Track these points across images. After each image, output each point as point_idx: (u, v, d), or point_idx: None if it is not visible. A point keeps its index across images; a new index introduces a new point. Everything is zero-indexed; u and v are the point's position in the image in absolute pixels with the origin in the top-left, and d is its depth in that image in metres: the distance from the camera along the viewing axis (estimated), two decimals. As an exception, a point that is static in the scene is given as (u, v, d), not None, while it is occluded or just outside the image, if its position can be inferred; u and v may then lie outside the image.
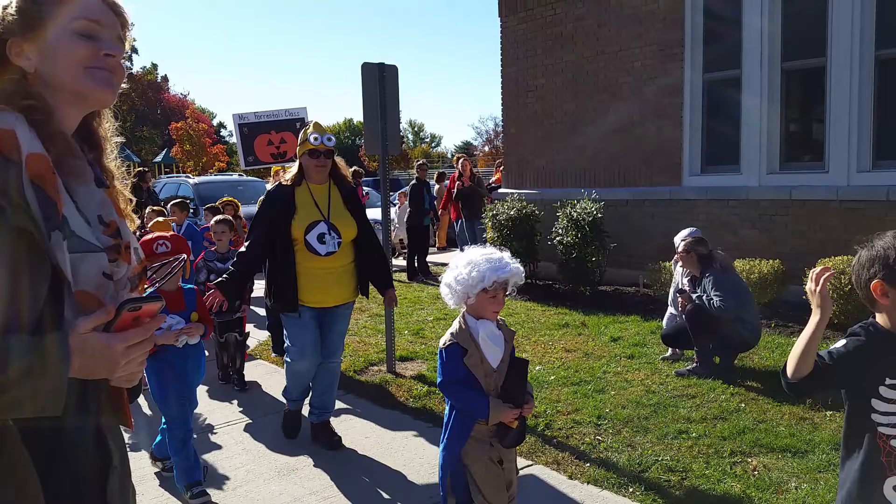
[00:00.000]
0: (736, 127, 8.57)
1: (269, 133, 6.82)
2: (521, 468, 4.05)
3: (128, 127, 55.85)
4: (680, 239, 6.04)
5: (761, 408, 4.78)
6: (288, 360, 4.49)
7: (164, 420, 3.89)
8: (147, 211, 7.73)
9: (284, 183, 4.40)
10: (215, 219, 5.87)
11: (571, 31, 10.13)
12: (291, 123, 6.88)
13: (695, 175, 9.02)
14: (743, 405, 4.85)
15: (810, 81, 8.25)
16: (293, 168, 4.47)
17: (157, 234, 3.72)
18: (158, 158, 35.83)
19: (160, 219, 6.90)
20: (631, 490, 3.71)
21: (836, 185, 7.67)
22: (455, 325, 2.75)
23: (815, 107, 8.23)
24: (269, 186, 6.40)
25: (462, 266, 2.65)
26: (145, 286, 1.51)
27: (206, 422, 5.14)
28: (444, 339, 2.73)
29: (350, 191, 4.52)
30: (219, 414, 5.30)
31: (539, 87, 10.68)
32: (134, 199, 1.63)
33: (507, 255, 2.69)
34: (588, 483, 3.82)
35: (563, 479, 3.91)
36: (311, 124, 4.45)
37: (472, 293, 2.63)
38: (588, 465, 4.03)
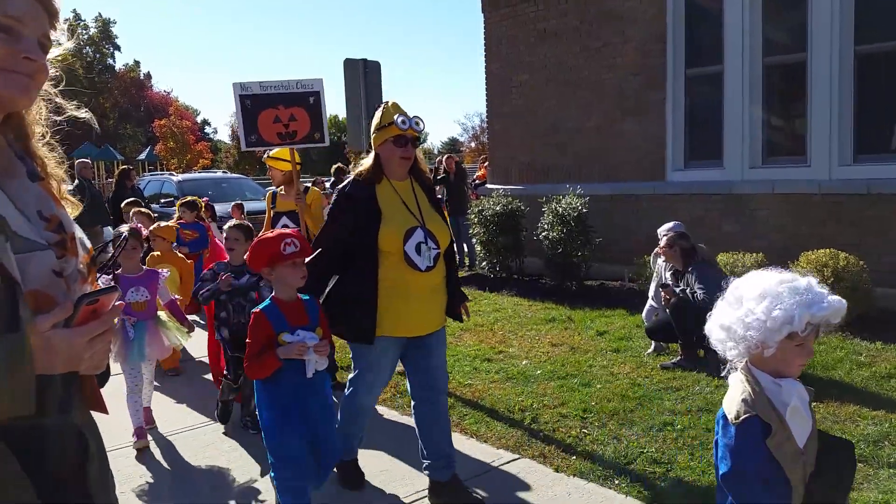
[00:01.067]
0: (718, 122, 8.63)
1: (277, 108, 5.65)
2: (508, 461, 4.07)
3: (111, 125, 55.46)
4: (663, 232, 6.08)
5: (745, 400, 4.82)
6: (352, 393, 3.63)
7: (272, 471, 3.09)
8: (133, 211, 7.55)
9: (358, 179, 3.53)
10: (230, 224, 4.86)
11: (555, 28, 10.15)
12: (303, 98, 5.73)
13: (678, 170, 9.07)
14: (727, 397, 4.88)
15: (792, 76, 8.32)
16: (366, 161, 3.59)
17: (280, 232, 3.06)
18: (142, 156, 35.52)
19: (167, 223, 6.76)
20: (617, 482, 3.74)
21: (817, 179, 7.75)
22: (742, 388, 1.94)
23: (796, 101, 8.30)
24: (274, 187, 6.10)
25: (753, 300, 1.91)
26: (95, 276, 1.49)
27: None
28: (734, 408, 1.92)
29: (431, 189, 3.74)
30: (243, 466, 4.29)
31: (523, 84, 10.70)
32: (70, 182, 1.56)
33: (814, 281, 1.94)
34: (574, 476, 3.85)
35: (550, 471, 3.93)
36: (389, 104, 3.56)
37: (774, 341, 1.85)
38: (574, 457, 4.06)
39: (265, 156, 6.13)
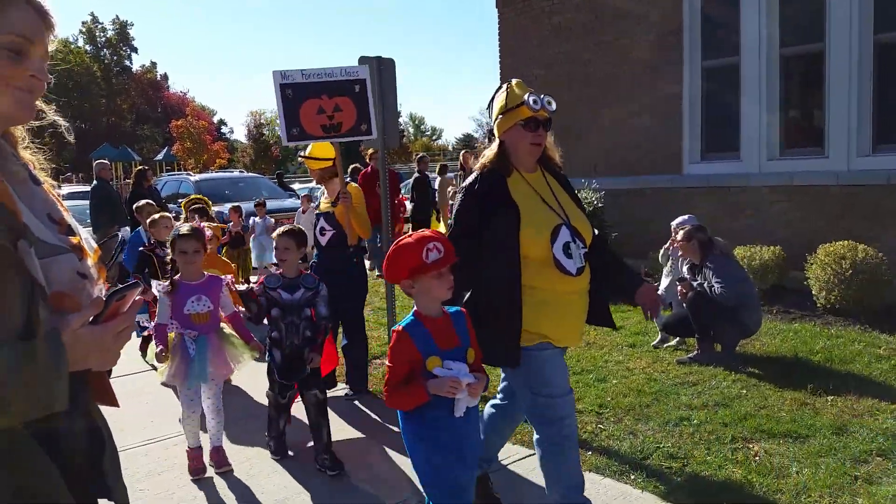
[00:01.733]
0: (735, 114, 8.56)
1: (321, 98, 5.08)
2: (523, 457, 4.07)
3: (128, 126, 55.99)
4: (676, 225, 6.06)
5: (763, 394, 4.80)
6: (548, 404, 2.91)
7: None
8: (159, 216, 7.25)
9: (483, 174, 3.01)
10: (280, 231, 4.11)
11: (569, 21, 10.11)
12: (349, 86, 5.17)
13: (695, 163, 9.01)
14: (744, 391, 4.87)
15: (809, 67, 8.23)
16: (488, 151, 3.08)
17: (421, 235, 2.54)
18: (159, 157, 35.82)
19: (211, 223, 6.46)
20: (633, 477, 3.73)
21: (836, 171, 7.67)
22: None
23: (814, 92, 8.21)
24: (312, 187, 6.06)
25: None
26: (105, 275, 1.53)
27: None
28: None
29: (565, 178, 3.26)
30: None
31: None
32: (56, 184, 1.59)
33: None
34: (590, 471, 3.85)
35: (566, 467, 3.93)
36: (513, 83, 3.10)
37: None
38: (590, 453, 4.05)
39: (300, 153, 5.59)
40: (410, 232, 2.95)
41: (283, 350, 4.06)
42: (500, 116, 3.04)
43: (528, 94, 2.98)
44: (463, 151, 12.50)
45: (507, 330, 2.86)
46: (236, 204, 11.36)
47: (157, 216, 6.17)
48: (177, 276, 4.01)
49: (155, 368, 4.57)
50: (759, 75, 8.26)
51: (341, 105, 5.20)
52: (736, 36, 8.45)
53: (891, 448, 3.82)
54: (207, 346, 3.94)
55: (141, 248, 6.10)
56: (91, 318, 1.30)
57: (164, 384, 5.11)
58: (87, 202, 11.20)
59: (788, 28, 8.18)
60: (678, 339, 6.07)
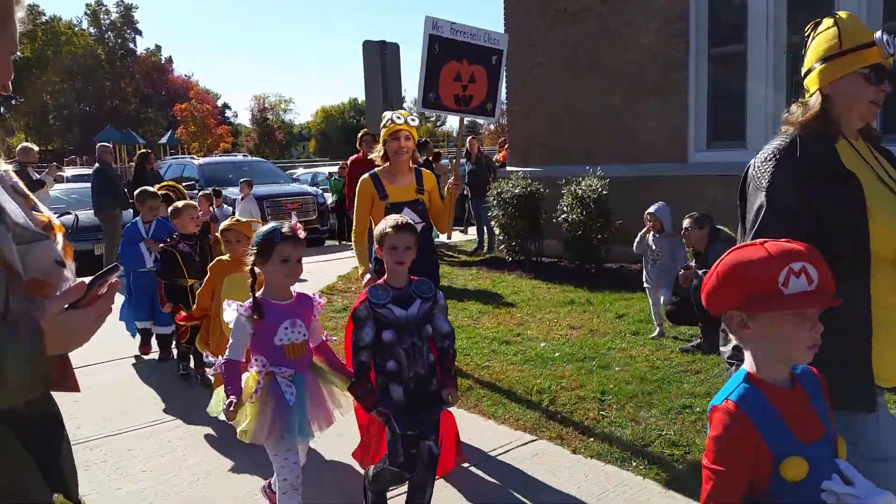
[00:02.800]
0: (741, 102, 8.51)
1: (461, 62, 4.50)
2: (525, 443, 4.08)
3: (132, 109, 55.89)
4: (650, 213, 6.12)
5: (765, 382, 4.79)
6: (886, 471, 1.93)
7: None
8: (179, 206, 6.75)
9: (803, 138, 2.14)
10: (394, 223, 3.02)
11: (574, 7, 10.02)
12: (487, 56, 4.63)
13: (700, 151, 8.96)
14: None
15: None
16: (804, 108, 2.19)
17: (785, 245, 1.59)
18: (163, 140, 35.75)
19: (240, 218, 4.93)
20: (634, 464, 3.73)
21: (842, 160, 7.61)
22: None
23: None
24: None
25: None
26: (71, 252, 1.50)
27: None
28: None
29: (887, 150, 2.33)
30: None
31: (542, 64, 10.60)
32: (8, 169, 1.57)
33: None
34: (592, 457, 3.85)
35: (567, 453, 3.94)
36: (843, 16, 2.20)
37: None
38: (592, 439, 4.06)
39: (400, 119, 4.04)
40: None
41: (406, 385, 2.94)
42: (828, 61, 2.16)
43: (880, 33, 2.11)
44: (469, 137, 12.43)
45: (858, 359, 2.00)
46: (207, 191, 10.99)
47: (181, 204, 5.47)
48: (259, 293, 2.95)
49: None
50: (766, 62, 8.20)
51: (476, 76, 4.58)
52: (743, 22, 8.37)
53: None
54: (305, 387, 2.95)
55: (163, 245, 5.42)
56: (70, 303, 1.28)
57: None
58: (90, 185, 11.20)
59: (796, 14, 8.09)
60: (661, 329, 6.07)
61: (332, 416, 3.03)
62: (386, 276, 3.05)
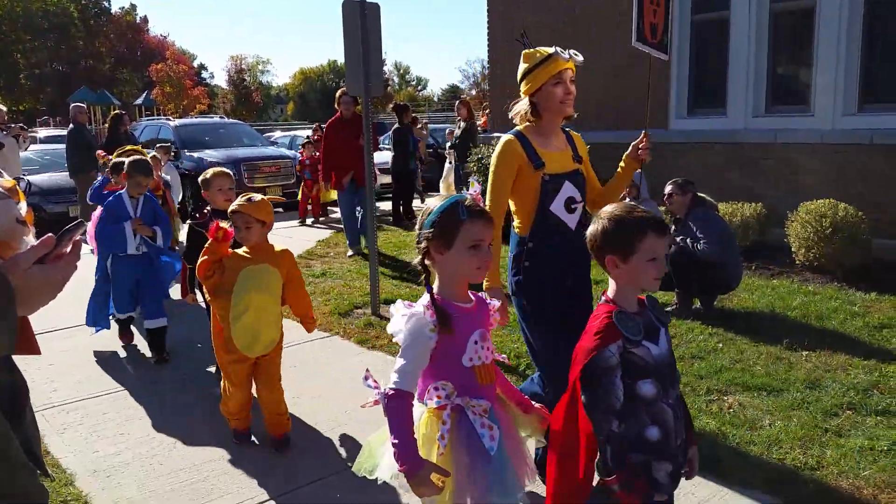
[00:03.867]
0: (723, 69, 8.50)
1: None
2: (503, 407, 4.11)
3: (107, 69, 54.65)
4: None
5: (739, 348, 4.87)
6: None
7: None
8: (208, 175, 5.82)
9: None
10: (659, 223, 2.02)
11: (559, -30, 9.90)
12: None
13: (681, 118, 8.97)
14: (721, 345, 4.93)
15: (799, 23, 8.15)
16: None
17: None
18: (139, 101, 35.09)
19: (256, 195, 3.69)
20: (609, 427, 3.78)
21: (821, 129, 7.67)
22: None
23: (803, 50, 8.15)
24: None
25: None
26: (32, 215, 1.49)
27: None
28: None
29: None
30: None
31: (526, 29, 10.48)
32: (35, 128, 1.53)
33: None
34: (567, 421, 3.89)
35: (544, 417, 3.98)
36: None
37: None
38: (568, 403, 4.10)
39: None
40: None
41: (675, 460, 2.02)
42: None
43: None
44: (458, 102, 12.40)
45: None
46: (166, 145, 10.54)
47: (210, 174, 4.38)
48: (436, 293, 2.07)
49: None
50: (748, 30, 8.18)
51: (657, 17, 3.53)
52: (727, -11, 8.33)
53: (861, 402, 3.90)
54: (503, 428, 2.10)
55: (190, 223, 4.60)
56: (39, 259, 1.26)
57: None
58: (64, 146, 11.00)
59: (780, -18, 8.07)
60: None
61: (533, 467, 2.25)
62: (614, 292, 2.04)
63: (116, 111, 12.74)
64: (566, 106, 3.01)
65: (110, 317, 5.49)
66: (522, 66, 3.07)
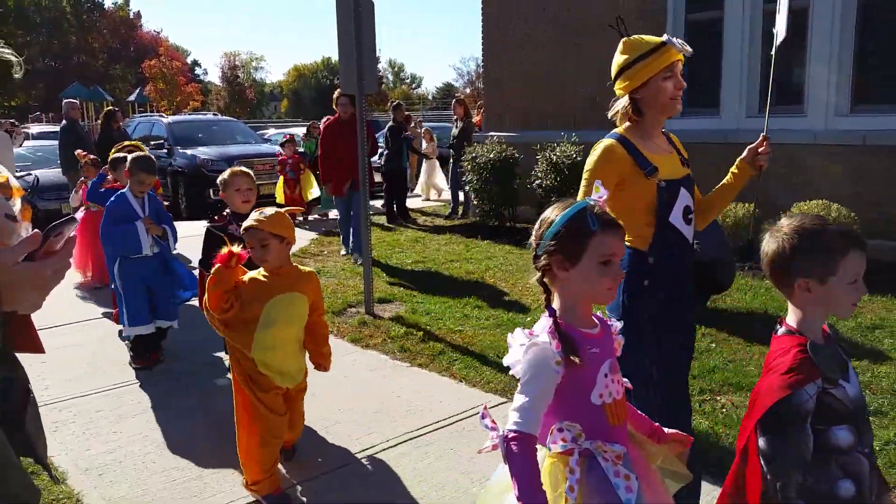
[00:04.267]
0: (717, 70, 8.52)
1: None
2: (496, 405, 4.13)
3: (100, 65, 54.38)
4: None
5: (732, 348, 4.89)
6: None
7: None
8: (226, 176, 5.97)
9: None
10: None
11: (554, -31, 9.90)
12: None
13: (675, 119, 8.96)
14: (714, 345, 4.95)
15: (792, 23, 8.16)
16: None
17: None
18: (132, 97, 34.93)
19: (272, 209, 3.43)
20: (602, 427, 3.79)
21: (814, 130, 7.70)
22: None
23: (796, 50, 8.18)
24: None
25: None
26: (29, 213, 1.47)
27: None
28: None
29: None
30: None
31: (519, 27, 10.49)
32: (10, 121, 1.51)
33: None
34: (561, 420, 3.90)
35: (537, 416, 3.98)
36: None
37: None
38: (561, 402, 4.11)
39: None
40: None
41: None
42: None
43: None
44: (454, 100, 12.42)
45: None
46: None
47: (228, 174, 4.05)
48: (558, 314, 1.78)
49: None
50: (742, 30, 8.20)
51: None
52: (721, -11, 8.35)
53: (853, 402, 3.92)
54: (640, 477, 1.76)
55: (209, 226, 4.08)
56: (25, 256, 1.24)
57: None
58: (57, 142, 10.94)
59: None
60: None
61: None
62: (799, 320, 1.84)
63: (109, 108, 12.70)
64: (676, 102, 2.63)
65: (125, 341, 5.08)
66: (621, 58, 2.66)
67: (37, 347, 1.47)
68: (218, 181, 4.14)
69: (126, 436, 3.91)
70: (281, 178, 11.50)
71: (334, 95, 8.43)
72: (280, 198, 11.28)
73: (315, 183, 11.23)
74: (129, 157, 5.03)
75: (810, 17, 7.67)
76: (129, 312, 4.83)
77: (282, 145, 11.84)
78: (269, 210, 3.12)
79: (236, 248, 2.97)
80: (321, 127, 9.14)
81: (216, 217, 4.14)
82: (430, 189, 14.45)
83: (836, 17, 7.45)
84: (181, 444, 3.81)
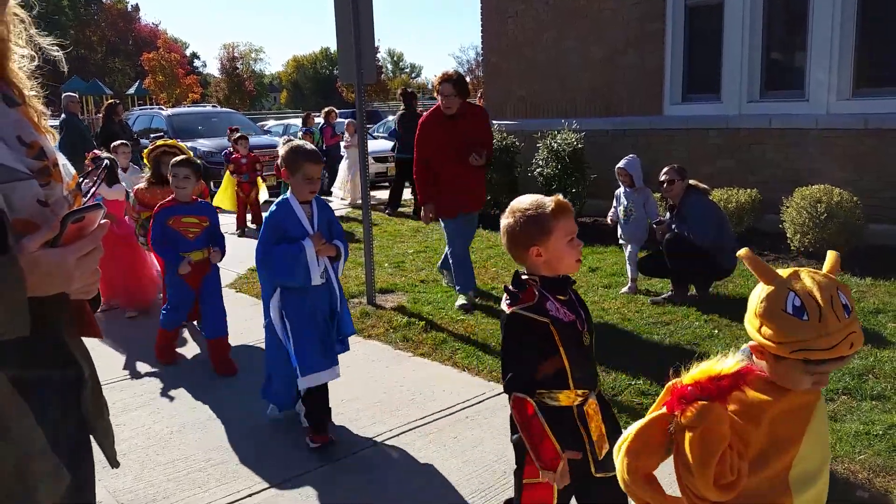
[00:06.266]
0: (717, 55, 8.47)
1: None
2: (498, 393, 4.13)
3: (99, 58, 54.25)
4: (620, 167, 6.07)
5: (734, 334, 4.88)
6: None
7: None
8: (116, 144, 7.33)
9: None
10: None
11: (553, -45, 9.83)
12: None
13: (675, 104, 8.95)
14: (716, 332, 4.94)
15: (793, 8, 8.12)
16: None
17: None
18: (131, 90, 34.93)
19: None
20: (605, 414, 3.79)
21: (815, 114, 7.66)
22: None
23: (797, 34, 8.13)
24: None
25: None
26: (83, 200, 1.47)
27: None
28: None
29: None
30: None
31: (519, 14, 10.44)
32: (48, 113, 1.52)
33: None
34: (564, 408, 3.90)
35: (540, 404, 3.98)
36: None
37: None
38: (564, 390, 4.11)
39: None
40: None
41: None
42: None
43: None
44: None
45: None
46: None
47: (298, 152, 3.50)
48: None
49: None
50: (742, 15, 8.14)
51: None
52: (721, -26, 8.29)
53: (856, 387, 3.91)
54: None
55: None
56: (50, 242, 1.24)
57: None
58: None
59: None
60: (633, 285, 6.07)
61: None
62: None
63: (110, 101, 12.69)
64: None
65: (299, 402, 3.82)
66: None
67: (95, 332, 1.48)
68: (283, 157, 3.52)
69: (129, 428, 3.92)
70: (227, 180, 10.15)
71: (435, 80, 6.04)
72: (227, 204, 9.93)
73: (264, 184, 10.22)
74: (287, 147, 3.59)
75: (811, 1, 7.61)
76: (302, 355, 3.55)
77: (235, 142, 10.06)
78: None
79: None
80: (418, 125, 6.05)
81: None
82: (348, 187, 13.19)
83: (836, 1, 7.40)
84: (184, 435, 3.82)
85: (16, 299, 1.16)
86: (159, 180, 5.56)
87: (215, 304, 4.84)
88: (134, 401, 4.30)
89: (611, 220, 6.32)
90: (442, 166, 5.68)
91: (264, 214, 3.73)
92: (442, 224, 5.96)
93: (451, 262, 5.93)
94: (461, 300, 5.82)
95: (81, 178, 1.34)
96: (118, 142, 7.37)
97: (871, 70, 7.52)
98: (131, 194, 5.97)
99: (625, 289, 6.07)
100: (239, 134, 10.25)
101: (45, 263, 1.22)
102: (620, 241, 6.27)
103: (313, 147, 3.67)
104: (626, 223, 6.10)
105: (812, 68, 7.72)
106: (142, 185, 5.79)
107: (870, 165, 7.24)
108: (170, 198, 4.80)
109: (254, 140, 14.10)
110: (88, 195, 1.44)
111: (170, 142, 5.86)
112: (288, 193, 3.57)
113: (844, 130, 7.41)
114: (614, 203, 6.27)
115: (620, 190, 6.18)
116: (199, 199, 4.97)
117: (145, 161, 5.81)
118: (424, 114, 6.03)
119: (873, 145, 7.22)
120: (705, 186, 5.95)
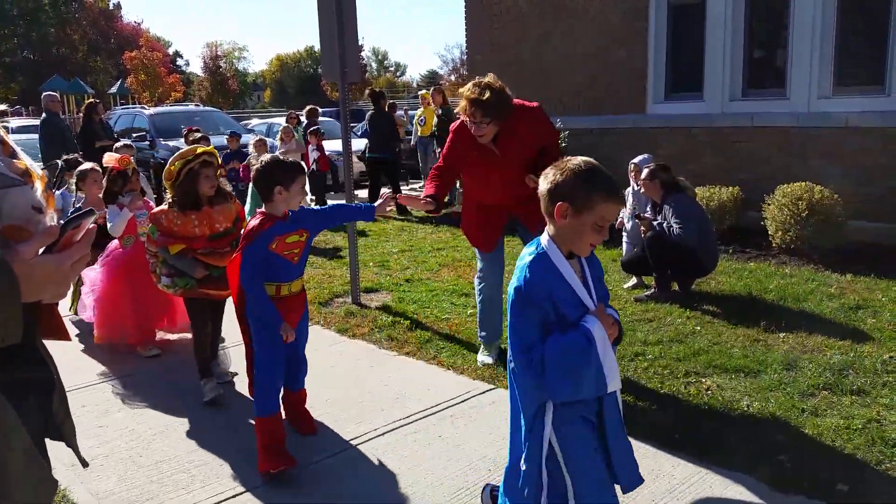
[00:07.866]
0: (700, 53, 8.52)
1: None
2: (483, 391, 4.13)
3: (80, 57, 53.70)
4: (636, 164, 6.08)
5: (717, 330, 4.92)
6: None
7: None
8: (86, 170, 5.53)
9: None
10: None
11: (536, -46, 9.84)
12: None
13: (659, 103, 8.99)
14: (699, 328, 4.98)
15: (774, 7, 8.19)
16: None
17: None
18: (113, 90, 34.61)
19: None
20: (589, 411, 3.80)
21: (796, 112, 7.73)
22: None
23: (778, 33, 8.20)
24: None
25: None
26: (54, 201, 1.46)
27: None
28: None
29: None
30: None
31: (504, 12, 10.44)
32: (7, 109, 1.50)
33: None
34: (548, 405, 3.91)
35: (524, 402, 3.99)
36: None
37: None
38: (548, 388, 4.12)
39: None
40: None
41: None
42: None
43: None
44: (433, 89, 12.29)
45: None
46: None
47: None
48: None
49: None
50: (724, 14, 8.20)
51: None
52: (703, -27, 8.34)
53: (837, 382, 3.96)
54: None
55: None
56: (44, 248, 1.24)
57: None
58: (37, 136, 10.80)
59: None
60: (639, 279, 6.12)
61: None
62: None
63: (90, 100, 12.55)
64: None
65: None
66: None
67: (62, 334, 1.47)
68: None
69: (112, 430, 3.89)
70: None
71: (461, 104, 4.55)
72: None
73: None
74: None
75: (792, 0, 7.68)
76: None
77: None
78: None
79: None
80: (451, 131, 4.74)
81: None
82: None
83: (817, 1, 7.46)
84: (167, 437, 3.80)
85: (10, 307, 1.15)
86: (193, 202, 4.08)
87: (303, 347, 3.74)
88: (116, 403, 4.27)
89: (618, 224, 6.24)
90: (483, 195, 4.55)
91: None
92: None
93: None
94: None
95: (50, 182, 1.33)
96: (88, 166, 5.55)
97: (852, 69, 7.60)
98: (141, 222, 4.94)
99: (630, 283, 6.13)
100: (200, 135, 9.34)
101: (42, 270, 1.22)
102: (624, 240, 6.26)
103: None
104: (630, 220, 6.09)
105: (793, 67, 7.79)
106: (163, 206, 4.19)
107: (850, 163, 7.32)
108: (258, 215, 3.39)
109: (215, 141, 14.04)
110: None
111: (209, 148, 4.18)
112: (544, 241, 2.31)
113: (825, 128, 7.48)
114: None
115: (628, 189, 6.18)
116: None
117: (166, 177, 4.11)
118: (456, 123, 4.58)
119: (854, 143, 7.30)
120: (689, 185, 6.00)
